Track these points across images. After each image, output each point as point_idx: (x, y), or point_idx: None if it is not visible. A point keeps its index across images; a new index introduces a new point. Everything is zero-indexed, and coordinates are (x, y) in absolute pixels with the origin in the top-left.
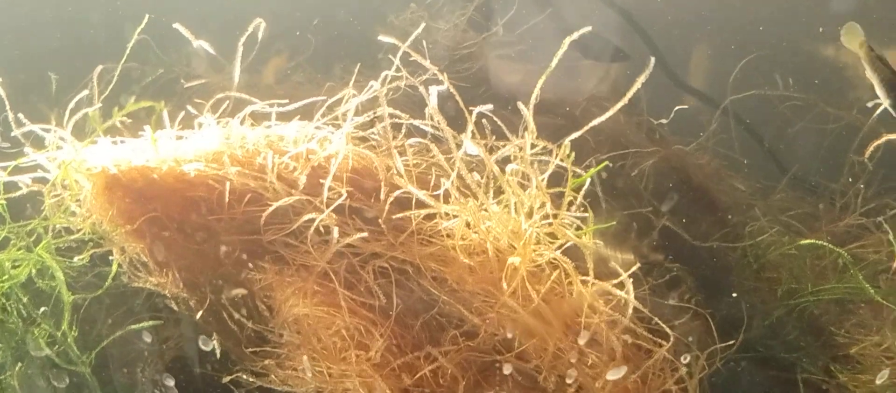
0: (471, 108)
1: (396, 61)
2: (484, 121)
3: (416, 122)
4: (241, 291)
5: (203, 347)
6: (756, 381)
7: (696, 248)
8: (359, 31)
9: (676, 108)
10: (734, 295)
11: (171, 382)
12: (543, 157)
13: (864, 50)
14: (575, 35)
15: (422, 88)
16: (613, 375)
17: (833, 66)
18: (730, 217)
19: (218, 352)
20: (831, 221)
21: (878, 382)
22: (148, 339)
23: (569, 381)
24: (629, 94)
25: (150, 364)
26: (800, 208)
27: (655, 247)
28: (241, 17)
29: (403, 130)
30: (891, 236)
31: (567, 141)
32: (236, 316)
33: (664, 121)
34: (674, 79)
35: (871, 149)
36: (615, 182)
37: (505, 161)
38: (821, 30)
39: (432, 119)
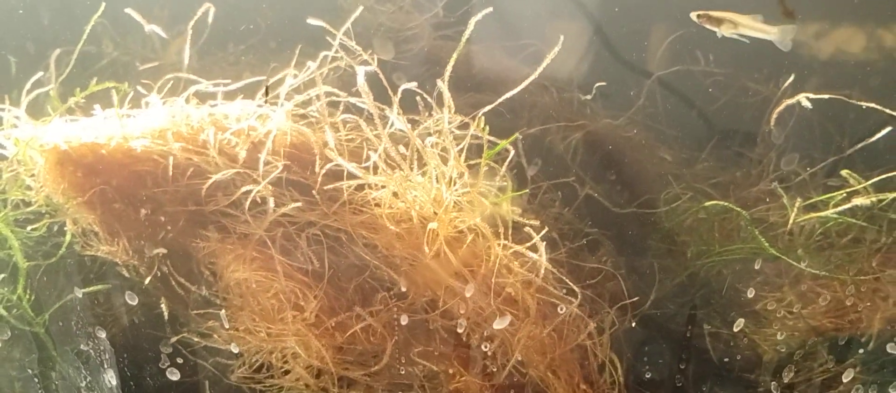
0: (401, 84)
1: (335, 43)
2: (418, 98)
3: (353, 100)
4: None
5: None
6: (667, 334)
7: (617, 214)
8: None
9: (597, 84)
10: (649, 258)
11: (102, 334)
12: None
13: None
14: (478, 15)
15: (357, 68)
16: (499, 324)
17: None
18: (655, 186)
19: (166, 314)
20: (746, 188)
21: (735, 329)
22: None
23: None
24: (540, 69)
25: (89, 321)
26: (721, 177)
27: (579, 214)
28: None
29: (341, 108)
30: (784, 199)
31: (479, 115)
32: (182, 281)
33: (589, 97)
34: (612, 55)
35: (773, 116)
36: (546, 155)
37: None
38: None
39: (365, 97)
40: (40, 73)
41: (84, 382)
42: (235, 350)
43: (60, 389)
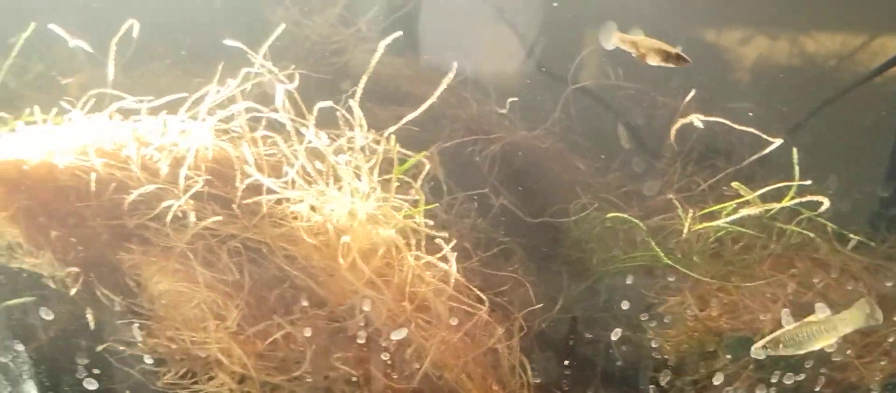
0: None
1: (258, 59)
2: (339, 113)
3: (274, 116)
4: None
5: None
6: (575, 337)
7: (529, 223)
8: (235, 29)
9: (509, 99)
10: (559, 264)
11: (20, 347)
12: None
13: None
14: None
15: (272, 85)
16: (396, 335)
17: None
18: (564, 195)
19: (92, 324)
20: (648, 197)
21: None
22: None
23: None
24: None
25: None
26: (630, 185)
27: (493, 223)
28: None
29: (263, 123)
30: (679, 210)
31: (387, 132)
32: (106, 292)
33: (503, 111)
34: (534, 68)
35: (674, 130)
36: (464, 166)
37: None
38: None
39: (283, 112)
40: None
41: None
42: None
43: None
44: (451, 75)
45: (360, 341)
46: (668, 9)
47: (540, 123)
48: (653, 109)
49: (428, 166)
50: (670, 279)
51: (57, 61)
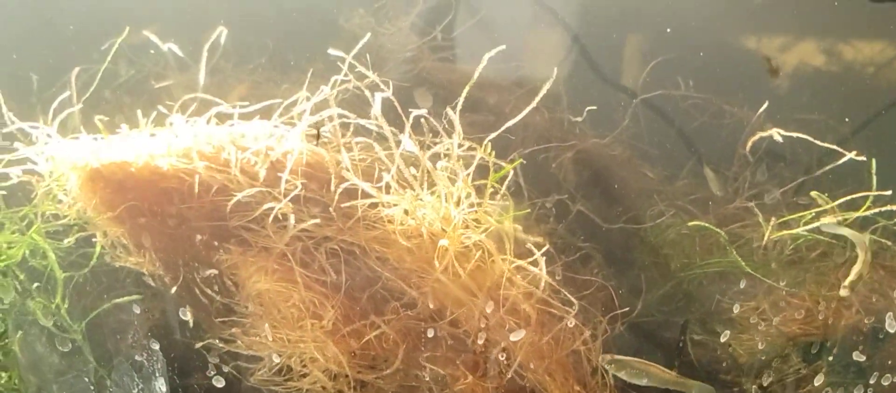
0: (409, 109)
1: (344, 67)
2: (422, 120)
3: (363, 122)
4: (212, 271)
5: (182, 317)
6: (652, 341)
7: (605, 229)
8: (312, 35)
9: (587, 108)
10: (637, 270)
11: (156, 346)
12: (471, 153)
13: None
14: (493, 52)
15: (367, 92)
16: (515, 337)
17: (730, 68)
18: (638, 202)
19: (191, 322)
20: (723, 204)
21: (722, 340)
22: (137, 310)
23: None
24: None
25: (139, 330)
26: (698, 193)
27: (571, 229)
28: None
29: (351, 128)
30: (760, 217)
31: (487, 141)
32: (207, 291)
33: (579, 118)
34: (599, 78)
35: (749, 143)
36: (538, 173)
37: (439, 157)
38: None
39: (376, 120)
40: (67, 93)
41: (136, 390)
42: (276, 359)
43: None
44: (549, 82)
45: (479, 344)
46: (737, 19)
47: (608, 131)
48: (719, 119)
49: (511, 172)
50: (746, 285)
51: (146, 67)
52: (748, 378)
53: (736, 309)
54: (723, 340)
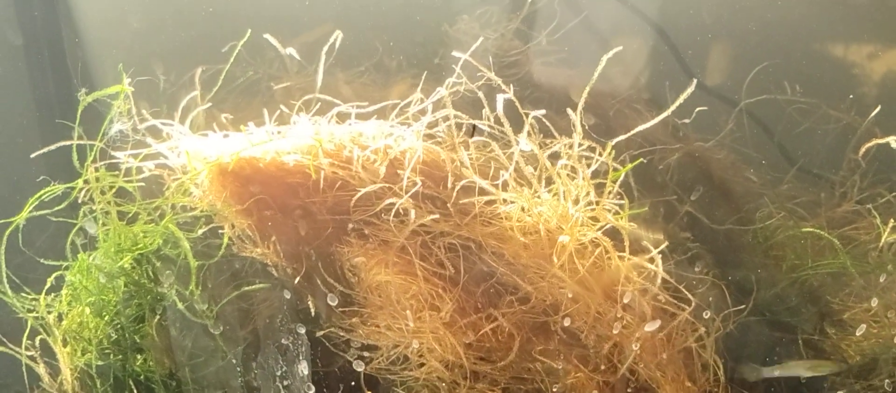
0: (525, 110)
1: (457, 68)
2: (532, 121)
3: (475, 122)
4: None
5: (311, 307)
6: (763, 340)
7: (714, 230)
8: (419, 39)
9: (697, 109)
10: (746, 270)
11: (302, 330)
12: (587, 154)
13: None
14: (610, 53)
15: (480, 94)
16: (650, 327)
17: (835, 74)
18: (743, 204)
19: (313, 311)
20: (831, 208)
21: (857, 334)
22: (287, 295)
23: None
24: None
25: (285, 314)
26: (804, 196)
27: (680, 229)
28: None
29: (463, 128)
30: (877, 220)
31: (611, 143)
32: (329, 281)
33: (687, 121)
34: (699, 83)
35: (863, 149)
36: (646, 174)
37: (553, 156)
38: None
39: (495, 120)
40: (195, 92)
41: (280, 372)
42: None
43: (259, 377)
44: (690, 89)
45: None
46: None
47: (712, 135)
48: (825, 124)
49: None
50: (857, 286)
51: (263, 67)
52: (858, 380)
53: (873, 302)
54: (858, 333)
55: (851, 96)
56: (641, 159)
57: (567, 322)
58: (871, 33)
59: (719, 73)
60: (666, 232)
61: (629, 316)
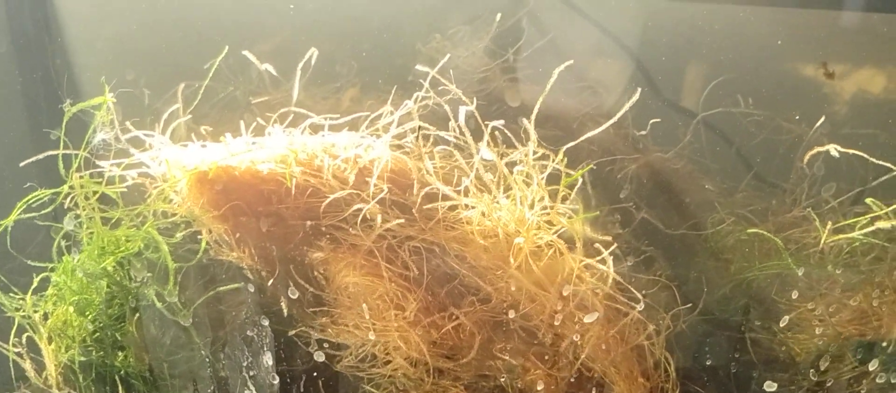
0: (486, 121)
1: (426, 83)
2: (496, 132)
3: (442, 134)
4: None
5: (284, 308)
6: (712, 338)
7: (668, 235)
8: (390, 57)
9: (651, 121)
10: (696, 272)
11: (265, 322)
12: (542, 162)
13: None
14: (562, 66)
15: (447, 107)
16: (589, 318)
17: (788, 87)
18: (698, 211)
19: (285, 311)
20: (780, 214)
21: (780, 325)
22: (251, 289)
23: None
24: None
25: (249, 308)
26: (757, 204)
27: (635, 234)
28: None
29: (431, 139)
30: (816, 222)
31: (563, 149)
32: (300, 283)
33: (644, 132)
34: (659, 96)
35: (807, 157)
36: (605, 183)
37: (512, 164)
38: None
39: (458, 131)
40: (177, 105)
41: (246, 362)
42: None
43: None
44: (634, 97)
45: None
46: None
47: (671, 146)
48: (777, 135)
49: (580, 179)
50: (801, 287)
51: (243, 83)
52: (804, 375)
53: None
54: (781, 324)
55: (799, 111)
56: (592, 165)
57: (514, 316)
58: (819, 50)
59: (678, 87)
60: (620, 237)
61: (582, 314)
